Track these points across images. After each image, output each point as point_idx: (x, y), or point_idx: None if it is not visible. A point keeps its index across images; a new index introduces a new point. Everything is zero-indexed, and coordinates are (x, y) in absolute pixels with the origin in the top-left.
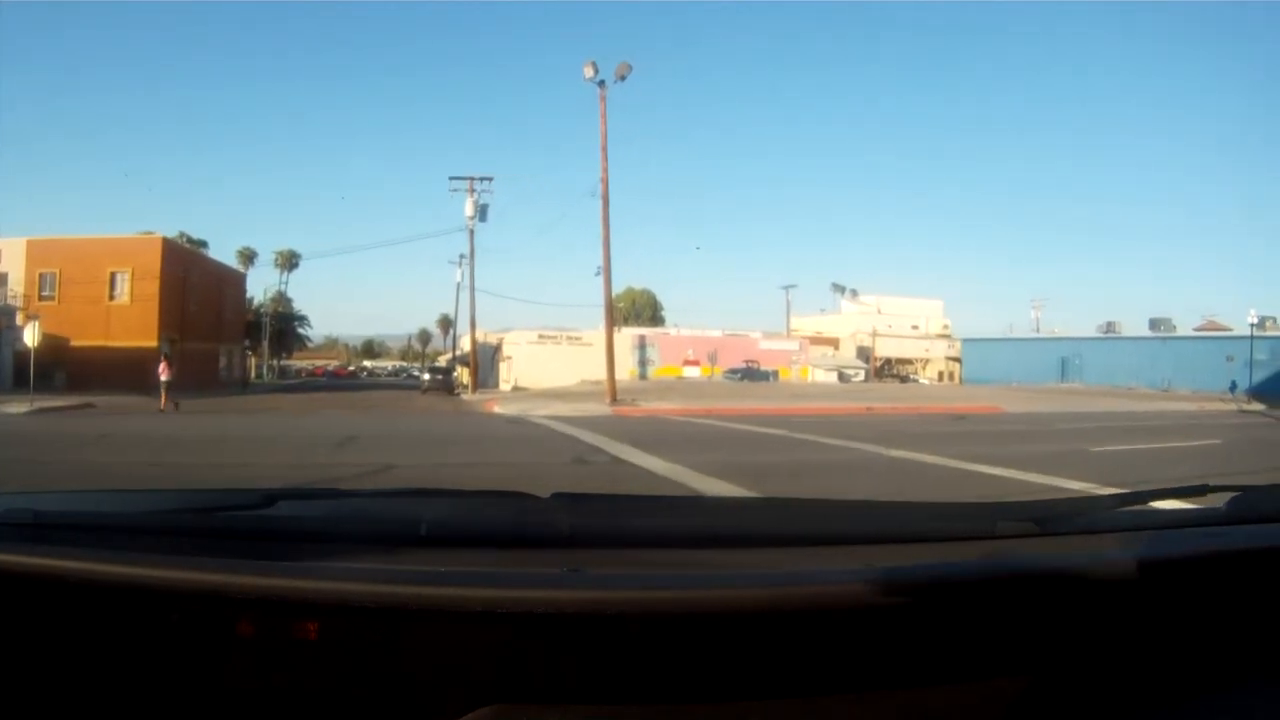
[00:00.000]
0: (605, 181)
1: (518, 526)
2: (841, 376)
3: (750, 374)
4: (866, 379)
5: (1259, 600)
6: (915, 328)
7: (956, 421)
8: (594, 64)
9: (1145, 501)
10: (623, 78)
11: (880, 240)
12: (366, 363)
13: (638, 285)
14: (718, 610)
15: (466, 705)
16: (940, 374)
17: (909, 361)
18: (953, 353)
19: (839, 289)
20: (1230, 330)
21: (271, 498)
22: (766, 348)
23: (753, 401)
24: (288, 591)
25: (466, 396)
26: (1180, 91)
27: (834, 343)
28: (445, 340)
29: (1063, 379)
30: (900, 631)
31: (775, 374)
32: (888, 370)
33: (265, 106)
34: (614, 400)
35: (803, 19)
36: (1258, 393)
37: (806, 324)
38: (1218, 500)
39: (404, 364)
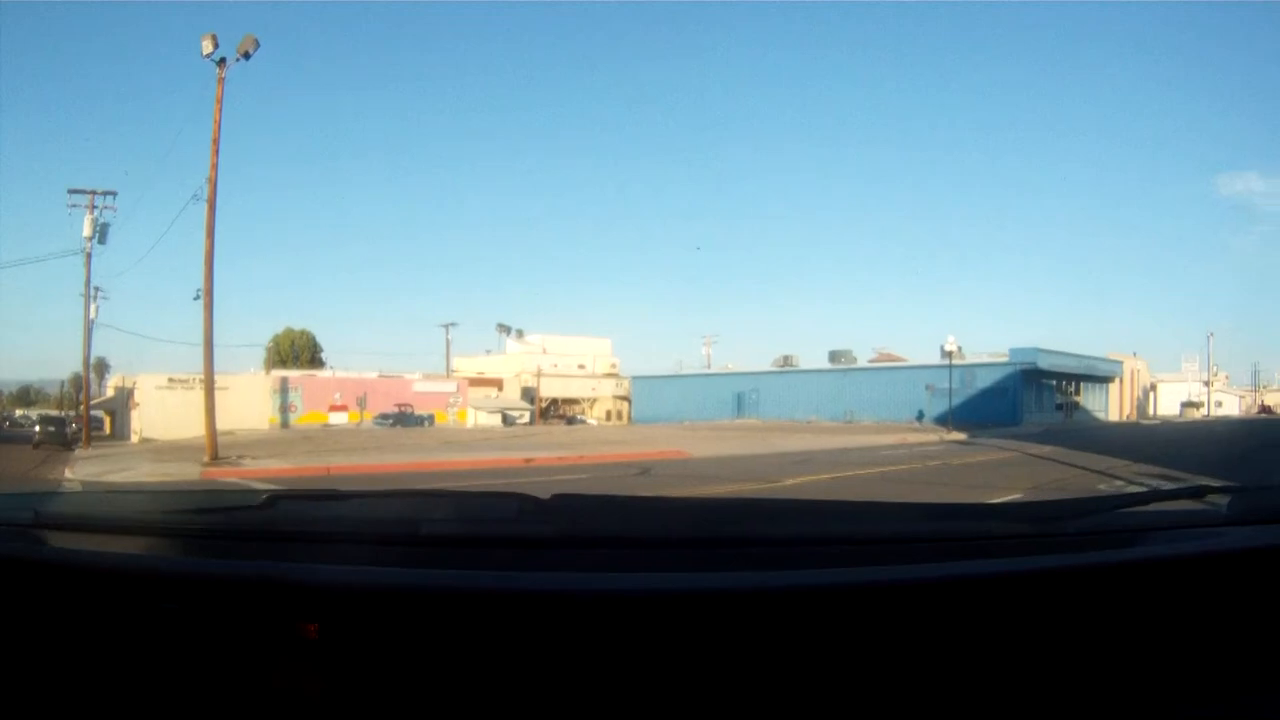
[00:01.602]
0: (214, 182)
1: (517, 527)
2: (506, 419)
3: (403, 419)
4: (531, 421)
5: (1259, 601)
6: (582, 367)
7: (641, 476)
8: (214, 37)
9: (1145, 503)
10: (247, 55)
11: (548, 279)
12: (20, 410)
13: (297, 325)
14: (717, 610)
15: (466, 704)
16: (608, 413)
17: (576, 401)
18: (621, 391)
19: (505, 329)
20: (905, 360)
21: (272, 499)
22: (423, 390)
23: (390, 455)
24: (288, 591)
25: (79, 451)
26: (834, 121)
27: (498, 384)
28: (103, 385)
29: (738, 415)
30: (897, 633)
31: (431, 418)
32: (554, 411)
33: None
34: (213, 459)
35: (475, 54)
36: (947, 420)
37: (471, 365)
38: (1217, 501)
39: (58, 412)
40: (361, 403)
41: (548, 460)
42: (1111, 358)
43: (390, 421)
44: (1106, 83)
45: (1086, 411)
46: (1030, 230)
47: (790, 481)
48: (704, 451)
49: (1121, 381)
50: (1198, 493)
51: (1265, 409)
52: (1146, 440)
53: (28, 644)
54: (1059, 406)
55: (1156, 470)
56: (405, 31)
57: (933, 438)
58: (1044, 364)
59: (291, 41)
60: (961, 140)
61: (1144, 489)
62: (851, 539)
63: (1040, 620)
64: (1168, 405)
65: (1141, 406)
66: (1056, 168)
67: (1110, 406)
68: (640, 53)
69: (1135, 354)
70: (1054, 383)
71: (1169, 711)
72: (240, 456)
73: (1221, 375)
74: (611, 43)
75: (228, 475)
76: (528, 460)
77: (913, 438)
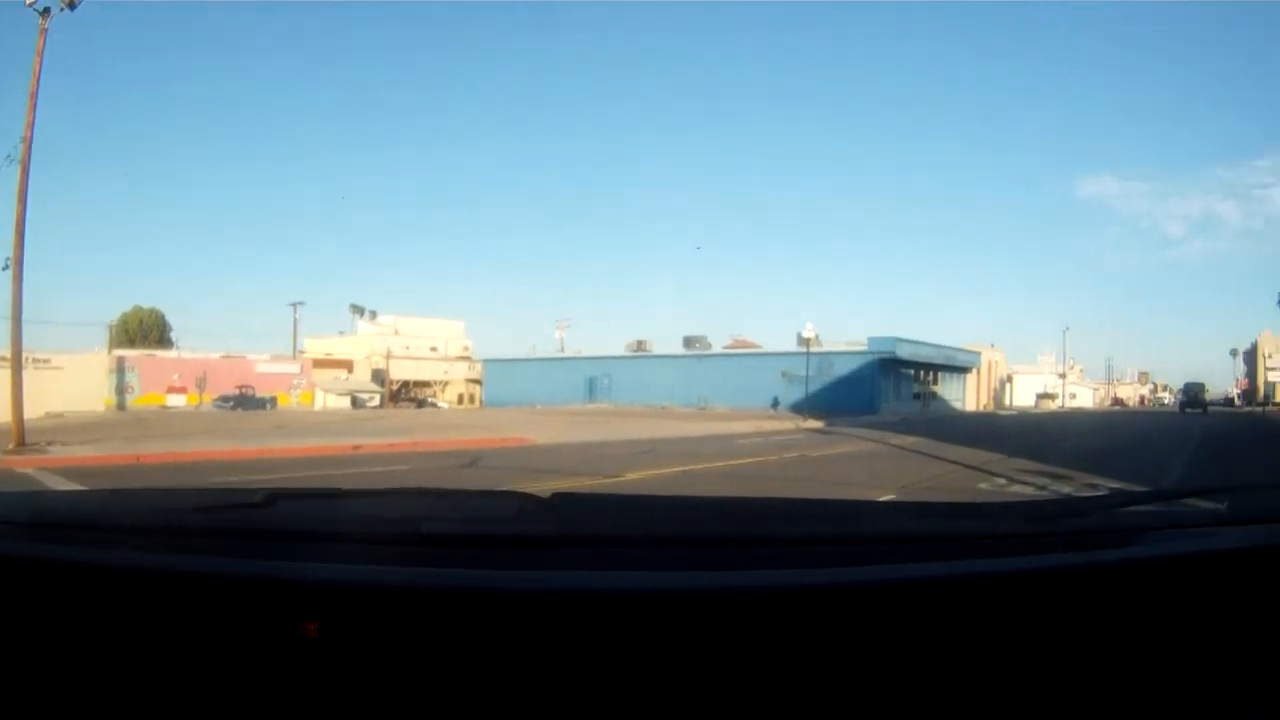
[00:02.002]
0: (29, 142)
1: (517, 525)
2: (355, 402)
3: (244, 401)
4: (382, 404)
5: (1259, 601)
6: (435, 349)
7: (468, 468)
8: None
9: (1144, 502)
10: (72, 4)
11: (403, 260)
12: None
13: (147, 304)
14: (718, 609)
15: (467, 704)
16: (461, 396)
17: (428, 384)
18: (474, 374)
19: (358, 310)
20: (759, 347)
21: (271, 497)
22: (267, 371)
23: (213, 441)
24: (288, 591)
25: None
26: (692, 103)
27: (348, 365)
28: None
29: (590, 399)
30: (897, 633)
31: (274, 400)
32: (405, 394)
33: None
34: (19, 445)
35: (316, 46)
36: (804, 408)
37: (323, 346)
38: (1218, 500)
39: None
40: (201, 384)
41: (377, 448)
42: (970, 349)
43: (230, 404)
44: (970, 85)
45: (944, 401)
46: (893, 224)
47: (632, 476)
48: (550, 438)
49: (979, 372)
50: (1199, 492)
51: (1118, 401)
52: (1012, 431)
53: (27, 644)
54: (917, 396)
55: (1035, 466)
56: None
57: (789, 425)
58: (902, 353)
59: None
60: (822, 132)
61: (1104, 490)
62: (852, 538)
63: (1039, 620)
64: (1024, 396)
65: (998, 397)
66: (921, 164)
67: (967, 396)
68: (491, 29)
69: (993, 346)
70: (912, 372)
71: (1169, 712)
72: (50, 443)
73: (1077, 368)
74: (461, 20)
75: (27, 465)
76: (356, 448)
77: (768, 425)
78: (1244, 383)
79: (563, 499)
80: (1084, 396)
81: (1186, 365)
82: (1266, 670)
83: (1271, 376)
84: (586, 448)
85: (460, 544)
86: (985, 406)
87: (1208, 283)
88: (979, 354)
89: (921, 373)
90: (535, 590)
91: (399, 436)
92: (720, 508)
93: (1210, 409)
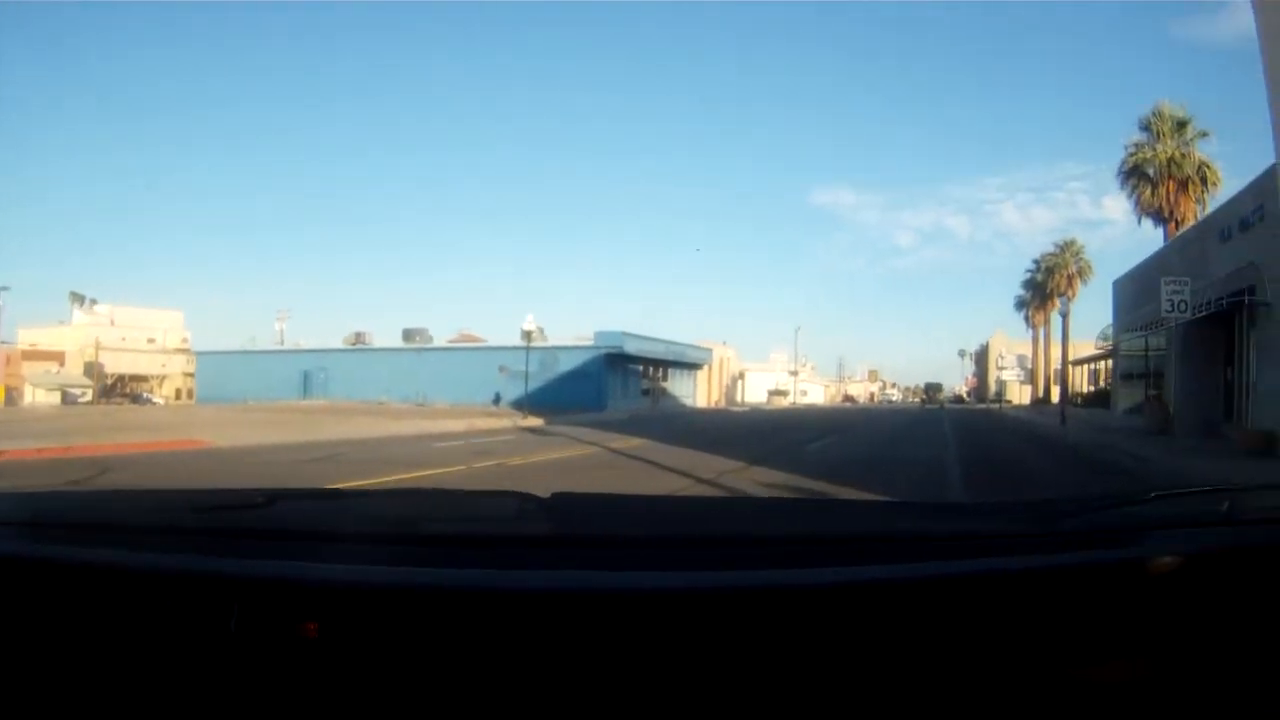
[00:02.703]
0: None
1: (516, 526)
2: (67, 397)
3: None
4: (95, 399)
5: (1259, 601)
6: (153, 341)
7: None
8: None
9: (1144, 502)
10: None
11: (122, 246)
12: None
13: None
14: (718, 608)
15: (467, 703)
16: (178, 391)
17: (145, 378)
18: (192, 368)
19: (78, 298)
20: (485, 341)
21: (271, 498)
22: None
23: None
24: (288, 591)
25: None
26: (413, 96)
27: (59, 357)
28: None
29: (306, 395)
30: (897, 632)
31: None
32: (120, 388)
33: None
34: None
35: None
36: (528, 405)
37: (35, 336)
38: (1217, 500)
39: None
40: None
41: (18, 454)
42: (702, 346)
43: None
44: (712, 91)
45: (674, 398)
46: (632, 224)
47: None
48: (231, 440)
49: (711, 369)
50: (1199, 492)
51: (849, 398)
52: (748, 432)
53: (27, 644)
54: (646, 393)
55: (785, 478)
56: None
57: (506, 424)
58: (630, 348)
59: None
60: (561, 129)
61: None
62: (853, 537)
63: (1040, 619)
64: (756, 393)
65: (730, 394)
66: (661, 169)
67: (699, 393)
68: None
69: (725, 343)
70: (641, 368)
71: (1170, 711)
72: None
73: (809, 365)
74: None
75: None
76: None
77: (482, 424)
78: (972, 381)
79: (563, 499)
80: (815, 393)
81: (916, 365)
82: (1267, 669)
83: (1004, 375)
84: (259, 452)
85: (460, 544)
86: (717, 403)
87: (938, 288)
88: (710, 351)
89: (651, 369)
90: (535, 590)
91: (54, 441)
92: (721, 507)
93: (946, 405)
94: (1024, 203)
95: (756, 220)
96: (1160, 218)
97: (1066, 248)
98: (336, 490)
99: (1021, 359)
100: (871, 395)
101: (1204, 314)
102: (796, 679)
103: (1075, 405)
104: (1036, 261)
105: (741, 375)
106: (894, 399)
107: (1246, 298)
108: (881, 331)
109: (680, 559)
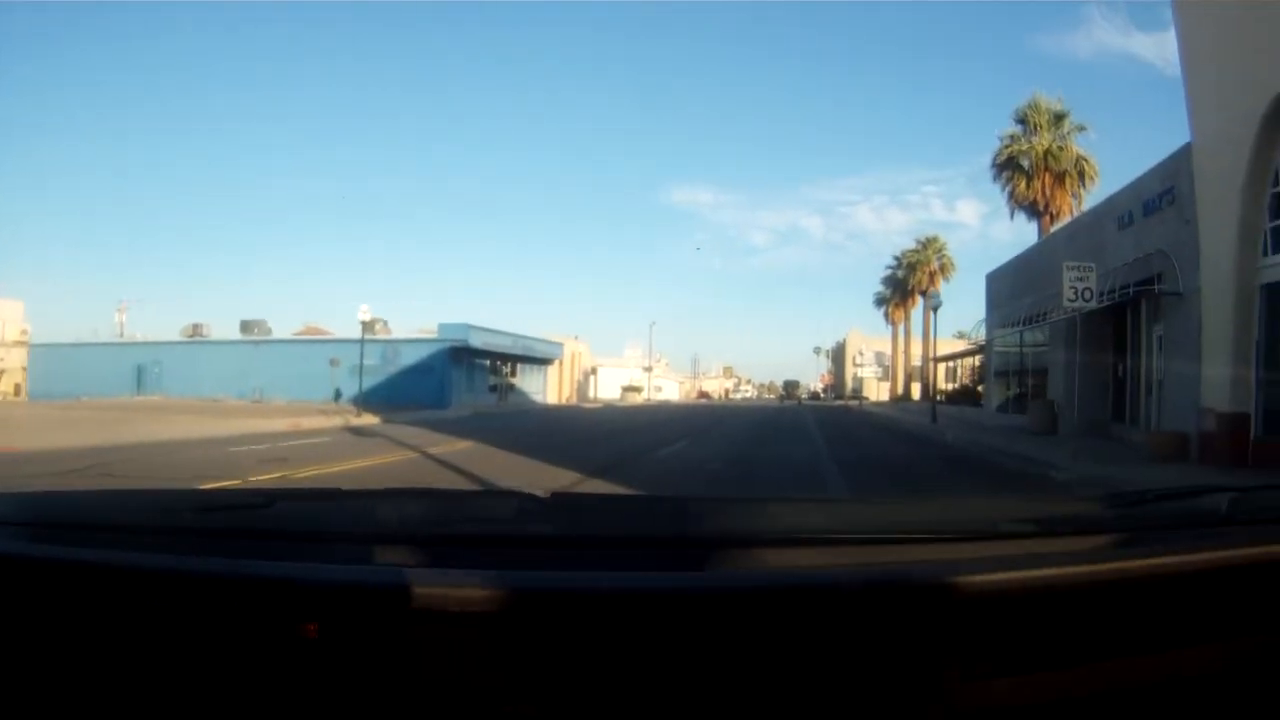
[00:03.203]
0: None
1: (517, 526)
2: None
3: None
4: None
5: (1259, 600)
6: None
7: None
8: None
9: (1146, 502)
10: None
11: None
12: None
13: None
14: (713, 609)
15: (466, 703)
16: (17, 387)
17: None
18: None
19: None
20: (331, 334)
21: (271, 498)
22: None
23: None
24: (288, 591)
25: None
26: (280, 87)
27: None
28: None
29: (140, 390)
30: (898, 632)
31: None
32: None
33: None
34: None
35: None
36: (367, 401)
37: None
38: (1218, 500)
39: None
40: None
41: None
42: (553, 340)
43: None
44: (573, 90)
45: (524, 394)
46: (482, 217)
47: None
48: (36, 444)
49: (562, 364)
50: (1199, 492)
51: (704, 394)
52: (595, 434)
53: (27, 644)
54: (494, 388)
55: (623, 491)
56: None
57: (335, 423)
58: (477, 342)
59: None
60: (413, 128)
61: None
62: (852, 538)
63: (1038, 620)
64: (609, 389)
65: (582, 389)
66: (516, 164)
67: (549, 389)
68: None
69: (577, 337)
70: (488, 363)
71: (1171, 711)
72: None
73: (664, 361)
74: None
75: None
76: None
77: (308, 423)
78: (828, 378)
79: (563, 499)
80: (670, 390)
81: (771, 362)
82: (1267, 668)
83: (862, 372)
84: (42, 460)
85: (460, 544)
86: (568, 399)
87: (794, 286)
88: (561, 345)
89: (499, 364)
90: (535, 590)
91: None
92: (721, 507)
93: (803, 402)
94: (880, 205)
95: (614, 217)
96: (1035, 211)
97: (929, 244)
98: (336, 490)
99: (880, 355)
100: (726, 391)
101: (1109, 303)
102: (796, 676)
103: (941, 402)
104: (898, 258)
105: (594, 371)
106: (748, 395)
107: (1156, 286)
108: (737, 329)
109: (682, 559)
